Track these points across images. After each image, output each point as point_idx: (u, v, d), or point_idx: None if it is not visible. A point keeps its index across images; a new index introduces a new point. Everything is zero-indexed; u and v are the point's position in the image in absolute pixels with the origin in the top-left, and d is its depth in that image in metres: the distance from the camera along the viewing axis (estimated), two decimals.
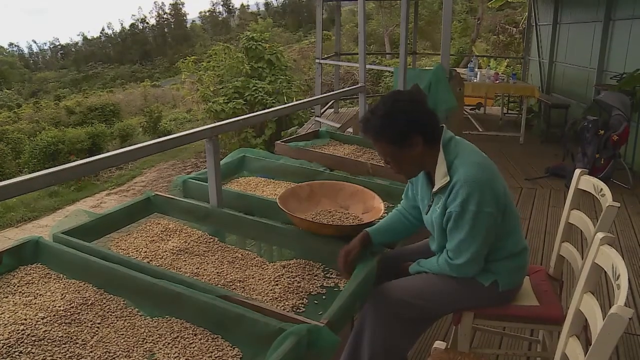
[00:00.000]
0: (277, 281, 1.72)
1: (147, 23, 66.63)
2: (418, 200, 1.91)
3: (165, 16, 66.13)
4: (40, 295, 1.61)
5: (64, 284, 1.67)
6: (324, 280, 1.77)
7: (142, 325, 1.49)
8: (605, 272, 1.33)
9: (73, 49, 66.86)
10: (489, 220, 1.66)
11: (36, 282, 1.69)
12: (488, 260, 1.77)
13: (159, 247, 1.96)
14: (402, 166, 1.76)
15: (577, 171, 1.97)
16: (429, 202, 1.80)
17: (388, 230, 1.94)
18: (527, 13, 10.86)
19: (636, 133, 5.68)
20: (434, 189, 1.73)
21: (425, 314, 1.84)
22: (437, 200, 1.75)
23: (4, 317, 1.47)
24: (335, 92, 5.63)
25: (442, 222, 1.73)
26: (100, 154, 1.83)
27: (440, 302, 1.82)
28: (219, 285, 1.67)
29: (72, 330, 1.44)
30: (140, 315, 1.54)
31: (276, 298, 1.62)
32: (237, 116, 2.77)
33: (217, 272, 1.78)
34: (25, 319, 1.46)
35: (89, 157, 1.76)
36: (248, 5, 66.95)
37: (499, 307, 1.84)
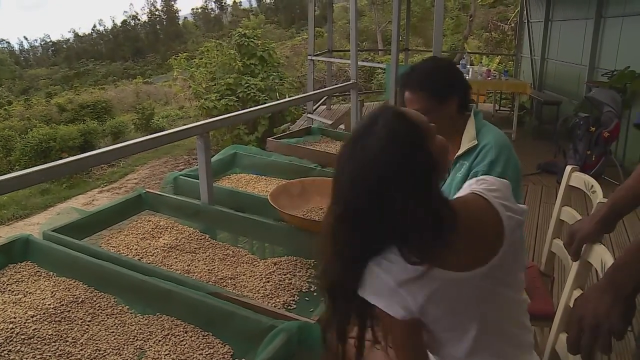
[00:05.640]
0: (268, 278, 1.72)
1: (139, 20, 66.26)
2: None
3: (157, 13, 65.79)
4: (30, 293, 1.60)
5: (54, 282, 1.67)
6: (315, 277, 1.77)
7: (133, 323, 1.48)
8: (596, 269, 1.34)
9: (64, 46, 66.34)
10: None
11: (26, 280, 1.68)
12: None
13: (149, 244, 1.95)
14: (435, 123, 1.81)
15: (568, 168, 1.97)
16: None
17: None
18: (519, 10, 10.87)
19: (627, 130, 5.70)
20: (459, 152, 1.79)
21: None
22: (458, 167, 1.80)
23: None
24: (328, 88, 5.64)
25: (461, 187, 1.76)
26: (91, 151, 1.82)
27: None
28: (210, 283, 1.67)
29: (62, 329, 1.43)
30: (131, 313, 1.54)
31: (267, 295, 1.62)
32: (230, 113, 2.75)
33: (208, 269, 1.78)
34: (15, 318, 1.45)
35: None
36: (240, 2, 66.65)
37: None
